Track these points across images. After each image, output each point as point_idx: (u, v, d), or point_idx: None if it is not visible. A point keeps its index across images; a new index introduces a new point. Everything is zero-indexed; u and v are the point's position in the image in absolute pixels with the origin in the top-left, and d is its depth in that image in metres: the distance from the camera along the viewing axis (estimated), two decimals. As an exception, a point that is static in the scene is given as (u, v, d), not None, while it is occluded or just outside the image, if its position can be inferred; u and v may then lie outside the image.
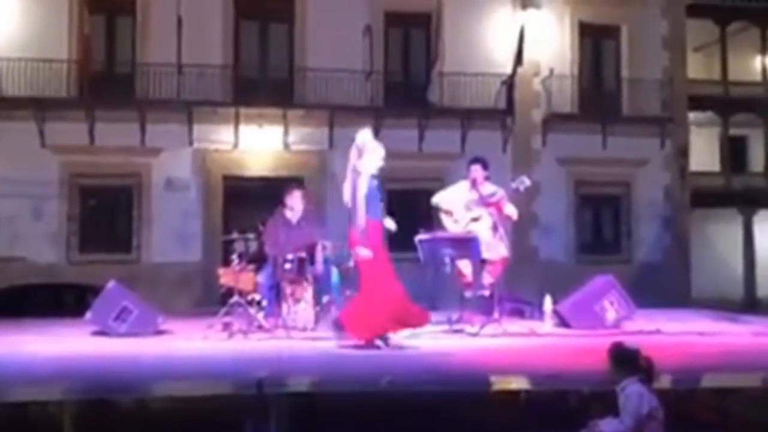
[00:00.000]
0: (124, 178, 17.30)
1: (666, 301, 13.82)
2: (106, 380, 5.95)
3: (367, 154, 7.57)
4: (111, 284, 9.19)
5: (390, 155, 19.57)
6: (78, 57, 16.75)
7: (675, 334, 7.94)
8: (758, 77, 23.29)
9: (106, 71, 17.41)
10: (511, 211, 9.08)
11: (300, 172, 17.26)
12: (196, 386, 5.83)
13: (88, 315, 8.97)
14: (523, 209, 10.49)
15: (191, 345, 8.03)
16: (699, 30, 21.81)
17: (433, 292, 12.29)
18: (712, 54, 23.23)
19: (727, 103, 22.59)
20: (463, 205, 9.08)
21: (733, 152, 23.81)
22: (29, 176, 16.51)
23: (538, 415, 5.48)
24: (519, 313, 10.25)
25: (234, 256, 9.25)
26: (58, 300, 13.15)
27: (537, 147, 18.97)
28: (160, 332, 8.96)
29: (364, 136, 7.73)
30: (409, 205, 15.12)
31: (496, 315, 8.68)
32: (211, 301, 12.13)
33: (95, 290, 9.68)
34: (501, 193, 9.03)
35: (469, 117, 18.01)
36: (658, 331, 8.38)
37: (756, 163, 24.42)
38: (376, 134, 17.51)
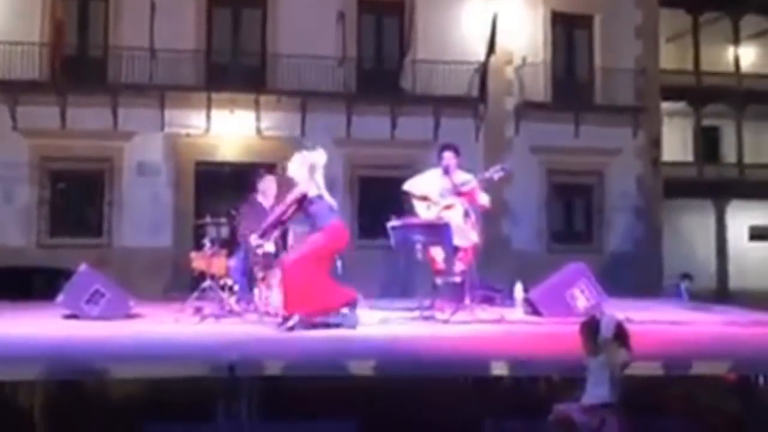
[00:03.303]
0: (95, 162, 17.16)
1: (638, 290, 13.96)
2: (77, 362, 5.91)
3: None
4: (82, 267, 9.10)
5: (362, 142, 19.77)
6: (50, 40, 16.59)
7: (645, 323, 8.00)
8: (730, 68, 23.53)
9: (78, 55, 17.26)
10: (484, 200, 9.07)
11: (272, 158, 17.15)
12: (166, 368, 5.80)
13: (60, 298, 8.87)
14: (495, 198, 10.52)
15: (162, 328, 7.99)
16: (672, 20, 22.00)
17: (404, 279, 12.36)
18: (684, 44, 23.44)
19: (700, 93, 22.84)
20: (437, 193, 9.07)
21: (706, 143, 24.07)
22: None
23: (508, 401, 5.53)
24: (490, 301, 10.26)
25: (206, 241, 9.20)
26: (27, 284, 13.00)
27: (509, 135, 19.04)
28: (131, 316, 8.90)
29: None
30: (380, 192, 15.15)
31: (467, 302, 8.70)
32: (182, 286, 12.09)
33: (66, 274, 9.58)
34: (474, 182, 9.01)
35: (441, 105, 18.04)
36: (628, 320, 8.42)
37: (728, 153, 24.70)
38: (349, 121, 17.81)
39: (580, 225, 19.96)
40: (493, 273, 13.71)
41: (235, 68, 17.89)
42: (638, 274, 18.20)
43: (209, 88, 17.29)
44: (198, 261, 9.51)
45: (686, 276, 14.59)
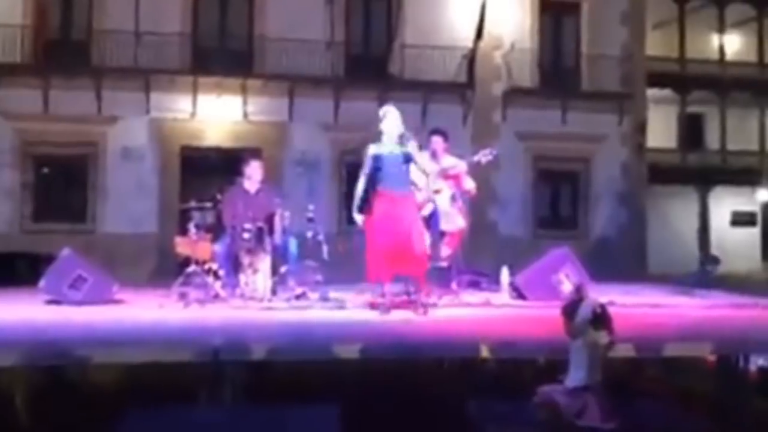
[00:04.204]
0: (79, 146, 16.99)
1: (622, 276, 14.01)
2: (60, 347, 5.88)
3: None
4: (65, 252, 9.04)
5: (350, 127, 19.65)
6: (32, 22, 16.39)
7: (628, 306, 8.05)
8: (715, 55, 23.61)
9: (61, 37, 17.06)
10: (470, 185, 9.08)
11: (259, 143, 17.11)
12: (149, 354, 5.78)
13: (42, 283, 8.82)
14: (482, 183, 10.52)
15: (146, 314, 7.96)
16: (658, 7, 22.00)
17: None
18: (670, 31, 23.45)
19: (685, 80, 22.91)
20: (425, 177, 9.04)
21: (690, 129, 24.18)
22: (-19, 143, 16.20)
23: (492, 384, 5.54)
24: (476, 285, 10.34)
25: (191, 226, 9.15)
26: (10, 269, 12.89)
27: (497, 121, 19.02)
28: (115, 301, 8.86)
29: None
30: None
31: (453, 286, 8.73)
32: (167, 272, 12.01)
33: (49, 259, 9.49)
34: (461, 166, 9.01)
35: (429, 90, 17.96)
36: (611, 303, 8.46)
37: (712, 140, 24.82)
38: (336, 106, 17.73)
39: (566, 211, 20.02)
40: (480, 258, 13.77)
41: (221, 52, 17.72)
42: (623, 259, 18.30)
43: (195, 71, 17.13)
44: (183, 246, 9.47)
45: (712, 259, 14.45)
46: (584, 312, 4.92)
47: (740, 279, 16.05)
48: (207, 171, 16.28)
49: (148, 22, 16.34)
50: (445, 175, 8.88)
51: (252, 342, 5.89)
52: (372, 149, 7.75)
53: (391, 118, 7.82)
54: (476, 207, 16.91)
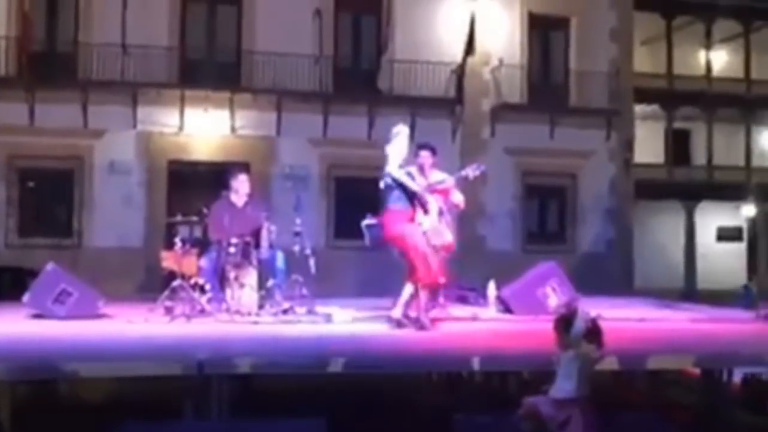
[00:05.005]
0: (65, 160, 16.92)
1: (609, 290, 14.03)
2: (44, 362, 5.81)
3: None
4: (49, 266, 8.94)
5: (339, 142, 19.63)
6: (18, 34, 16.32)
7: (614, 320, 8.04)
8: (702, 72, 23.76)
9: (47, 50, 17.01)
10: (458, 199, 9.06)
11: (247, 157, 17.09)
12: (134, 368, 5.71)
13: (26, 297, 8.72)
14: (470, 198, 10.51)
15: (132, 328, 7.88)
16: (646, 23, 22.17)
17: (379, 278, 12.28)
18: (658, 48, 23.63)
19: (672, 96, 23.06)
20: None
21: (677, 145, 24.31)
22: (-35, 157, 16.11)
23: (478, 397, 5.51)
24: (464, 300, 10.32)
25: (177, 239, 9.08)
26: (-6, 284, 12.80)
27: (485, 136, 19.08)
28: (100, 315, 8.76)
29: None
30: (357, 193, 15.06)
31: (441, 300, 8.69)
32: (154, 287, 11.92)
33: (34, 274, 9.41)
34: (450, 180, 8.99)
35: (418, 105, 17.99)
36: (598, 317, 8.46)
37: (698, 156, 24.98)
38: (325, 121, 17.73)
39: (554, 226, 20.07)
40: (469, 273, 13.72)
41: (209, 65, 17.73)
42: (610, 273, 18.37)
43: (183, 85, 17.11)
44: (168, 260, 9.38)
45: (750, 281, 15.06)
46: (579, 325, 4.93)
47: (726, 294, 16.13)
48: (195, 185, 16.21)
49: (135, 34, 16.30)
50: (432, 189, 8.86)
51: (236, 355, 5.84)
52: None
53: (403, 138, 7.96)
54: (465, 222, 16.92)
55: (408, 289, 7.69)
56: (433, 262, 7.63)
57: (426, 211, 8.13)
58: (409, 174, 8.04)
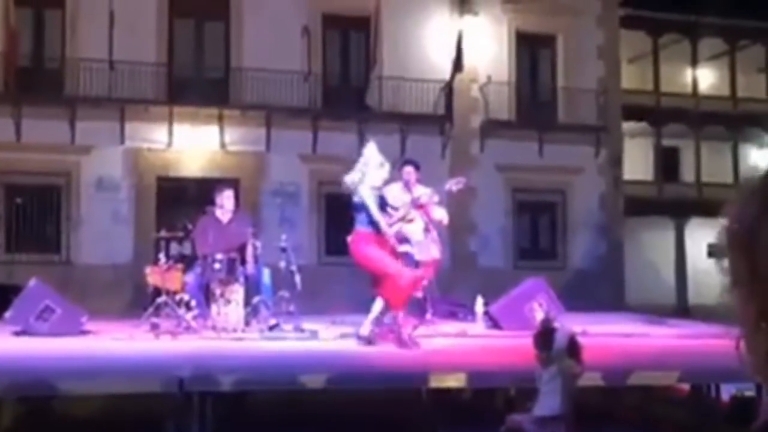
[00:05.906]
0: (52, 176, 16.81)
1: (600, 306, 14.00)
2: (26, 379, 5.73)
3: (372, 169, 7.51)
4: (32, 282, 8.88)
5: (328, 159, 19.61)
6: (4, 49, 16.23)
7: (601, 336, 8.02)
8: (689, 89, 23.91)
9: (33, 66, 16.93)
10: (440, 215, 9.05)
11: (236, 173, 17.03)
12: (116, 385, 5.65)
13: (8, 314, 8.64)
14: (461, 215, 10.51)
15: (115, 345, 7.81)
16: (633, 41, 22.30)
17: (366, 294, 12.24)
18: (645, 65, 23.76)
19: (660, 113, 23.16)
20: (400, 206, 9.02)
21: (666, 162, 24.39)
22: (-48, 173, 16.01)
23: (462, 413, 5.45)
24: (452, 316, 10.29)
25: (161, 255, 9.03)
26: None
27: (475, 153, 19.07)
28: (84, 332, 8.69)
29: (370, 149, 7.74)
30: (346, 209, 14.99)
31: (428, 316, 8.66)
32: (143, 303, 11.83)
33: (20, 290, 9.32)
34: (429, 195, 8.97)
35: (408, 122, 18.00)
36: (583, 332, 8.45)
37: (687, 172, 25.05)
38: (315, 137, 17.71)
39: (545, 242, 20.05)
40: (460, 290, 13.69)
41: (197, 82, 17.68)
42: (601, 290, 18.29)
43: (171, 101, 17.04)
44: (153, 276, 9.33)
45: None
46: (561, 340, 4.89)
47: (716, 310, 16.12)
48: (184, 201, 16.11)
49: (123, 51, 16.22)
50: (415, 204, 8.86)
51: (218, 372, 5.77)
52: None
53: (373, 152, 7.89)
54: (456, 238, 16.92)
55: (377, 305, 7.60)
56: (404, 282, 7.49)
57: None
58: (383, 196, 7.91)
